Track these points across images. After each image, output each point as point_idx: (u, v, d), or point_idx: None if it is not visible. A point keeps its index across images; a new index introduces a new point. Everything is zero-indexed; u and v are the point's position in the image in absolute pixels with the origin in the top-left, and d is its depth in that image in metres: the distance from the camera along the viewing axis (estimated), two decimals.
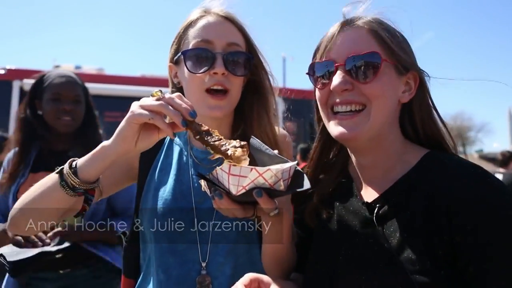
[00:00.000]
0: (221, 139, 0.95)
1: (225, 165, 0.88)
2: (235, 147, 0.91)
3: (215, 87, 1.21)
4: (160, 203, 1.24)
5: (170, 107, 0.94)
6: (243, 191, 0.88)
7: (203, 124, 0.97)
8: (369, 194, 1.07)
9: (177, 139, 1.37)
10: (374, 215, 1.01)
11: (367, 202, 1.06)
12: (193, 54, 1.22)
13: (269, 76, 1.35)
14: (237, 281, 1.16)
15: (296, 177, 0.95)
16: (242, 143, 0.93)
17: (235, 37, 1.26)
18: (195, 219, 1.22)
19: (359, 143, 1.04)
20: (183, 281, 1.20)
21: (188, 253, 1.22)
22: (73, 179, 1.01)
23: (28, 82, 6.68)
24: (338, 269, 1.02)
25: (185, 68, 1.23)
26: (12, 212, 1.13)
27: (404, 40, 1.06)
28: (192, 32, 1.25)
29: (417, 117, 1.07)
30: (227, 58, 1.21)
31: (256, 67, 1.33)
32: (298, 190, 0.92)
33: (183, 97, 0.99)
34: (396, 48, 1.02)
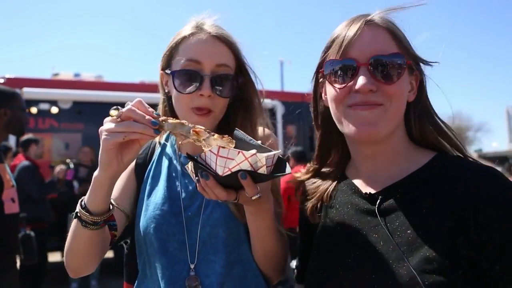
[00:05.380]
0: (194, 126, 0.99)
1: (215, 147, 0.92)
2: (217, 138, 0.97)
3: (199, 107, 1.25)
4: (151, 207, 1.29)
5: (136, 124, 0.96)
6: (229, 172, 0.92)
7: (173, 118, 1.00)
8: (371, 190, 1.06)
9: (168, 149, 1.43)
10: (377, 206, 1.00)
11: (370, 193, 1.05)
12: (181, 74, 1.25)
13: (258, 93, 1.38)
14: (228, 277, 1.21)
15: (278, 164, 0.99)
16: (227, 136, 0.98)
17: (224, 58, 1.27)
18: (184, 221, 1.27)
19: (375, 140, 1.02)
20: (174, 281, 1.23)
21: (179, 253, 1.25)
22: (88, 216, 1.07)
23: (28, 91, 6.76)
24: (346, 272, 1.00)
25: (172, 86, 1.27)
26: (65, 262, 1.23)
27: (407, 38, 1.06)
28: (183, 49, 1.27)
29: (412, 115, 1.06)
30: (215, 80, 1.24)
31: (245, 85, 1.36)
32: (279, 174, 0.96)
33: (142, 104, 1.00)
34: (408, 48, 1.02)
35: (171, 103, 1.35)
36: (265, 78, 1.40)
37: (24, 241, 3.61)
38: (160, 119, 0.98)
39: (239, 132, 1.08)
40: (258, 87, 1.37)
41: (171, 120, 0.98)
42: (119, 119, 0.97)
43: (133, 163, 1.41)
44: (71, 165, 6.40)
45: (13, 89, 3.10)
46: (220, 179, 0.94)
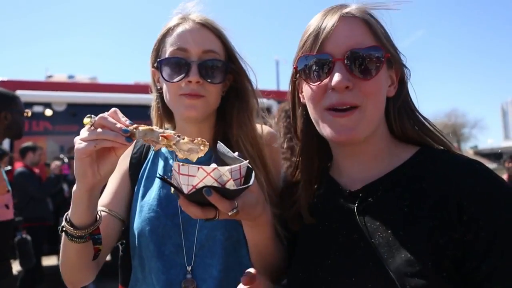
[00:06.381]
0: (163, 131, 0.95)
1: (175, 164, 0.87)
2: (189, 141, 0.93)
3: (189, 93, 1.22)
4: (146, 209, 1.27)
5: (107, 131, 0.95)
6: (194, 190, 0.87)
7: (144, 125, 0.97)
8: (353, 188, 1.02)
9: (163, 148, 1.40)
10: (356, 205, 0.96)
11: (350, 191, 1.01)
12: (168, 63, 1.23)
13: (251, 81, 1.35)
14: (225, 282, 1.18)
15: (248, 176, 0.93)
16: (199, 138, 0.94)
17: (211, 44, 1.25)
18: (180, 223, 1.24)
19: (355, 143, 0.99)
20: (170, 285, 1.21)
21: (175, 257, 1.23)
22: (73, 230, 1.05)
23: (21, 93, 6.67)
24: (325, 274, 0.96)
25: (161, 77, 1.26)
26: (62, 275, 1.23)
27: (387, 31, 1.01)
28: (169, 39, 1.26)
29: (392, 110, 1.02)
30: (203, 66, 1.22)
31: (237, 73, 1.33)
32: (243, 187, 0.90)
33: (116, 112, 0.99)
34: (387, 41, 0.98)
35: (163, 99, 1.33)
36: (261, 78, 1.38)
37: (21, 245, 3.59)
38: (132, 126, 0.95)
39: (220, 146, 1.04)
40: (250, 75, 1.35)
41: (142, 127, 0.96)
42: (92, 128, 0.97)
43: (127, 164, 1.39)
44: (66, 160, 6.48)
45: (13, 92, 3.04)
46: (188, 197, 0.89)
